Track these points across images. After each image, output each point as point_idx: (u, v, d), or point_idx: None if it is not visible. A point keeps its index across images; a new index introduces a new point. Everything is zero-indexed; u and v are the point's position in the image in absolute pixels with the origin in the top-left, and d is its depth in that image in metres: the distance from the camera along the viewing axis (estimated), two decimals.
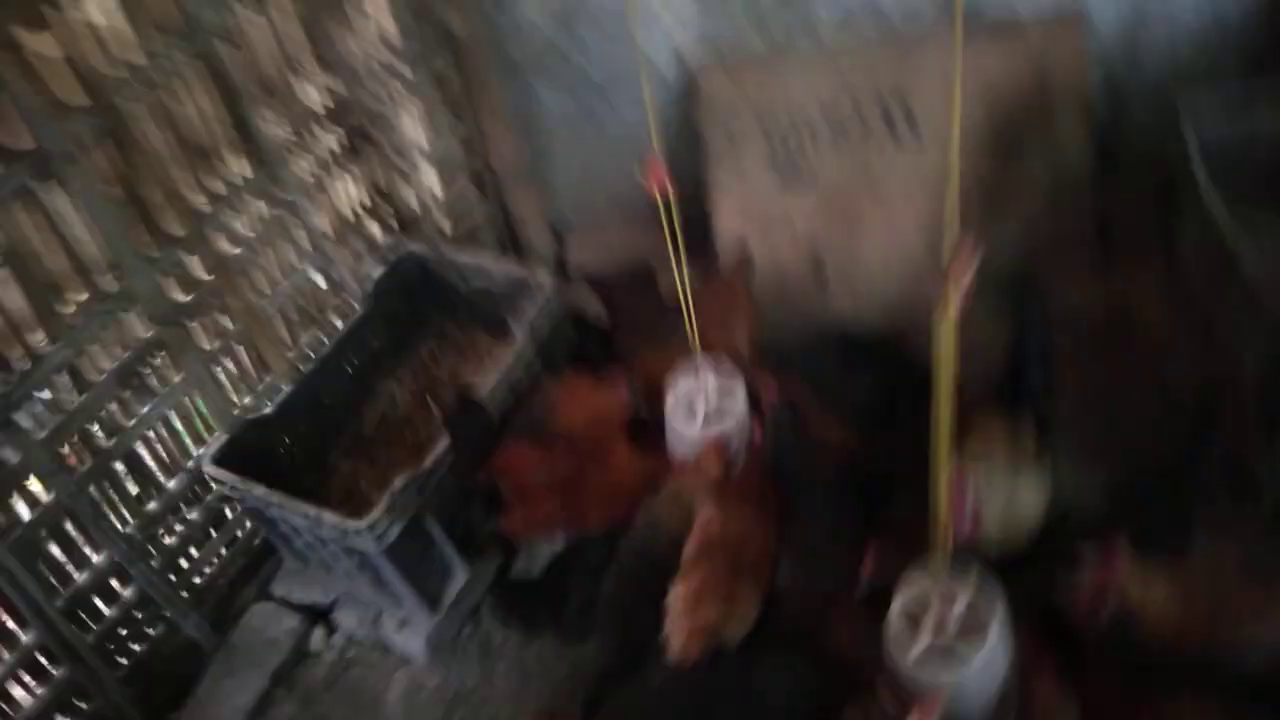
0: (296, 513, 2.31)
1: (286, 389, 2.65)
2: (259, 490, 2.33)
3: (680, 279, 2.22)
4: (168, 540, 2.49)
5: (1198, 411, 2.22)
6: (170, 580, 2.47)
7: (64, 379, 2.21)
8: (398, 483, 2.27)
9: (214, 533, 2.64)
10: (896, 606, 1.77)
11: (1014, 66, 2.72)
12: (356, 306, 2.85)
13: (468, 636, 2.56)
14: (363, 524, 2.21)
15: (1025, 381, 2.14)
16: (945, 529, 1.72)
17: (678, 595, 1.99)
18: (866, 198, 2.84)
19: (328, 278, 2.85)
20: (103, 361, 2.29)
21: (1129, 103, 2.83)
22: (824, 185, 2.86)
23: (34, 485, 2.20)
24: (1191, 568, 1.87)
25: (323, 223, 2.79)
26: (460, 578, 2.54)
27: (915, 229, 2.81)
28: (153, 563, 2.41)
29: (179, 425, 2.51)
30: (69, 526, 2.26)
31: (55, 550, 2.26)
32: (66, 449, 2.26)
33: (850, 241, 2.87)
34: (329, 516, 2.26)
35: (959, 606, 1.74)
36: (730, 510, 2.12)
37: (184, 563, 2.55)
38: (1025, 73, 2.72)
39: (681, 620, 1.94)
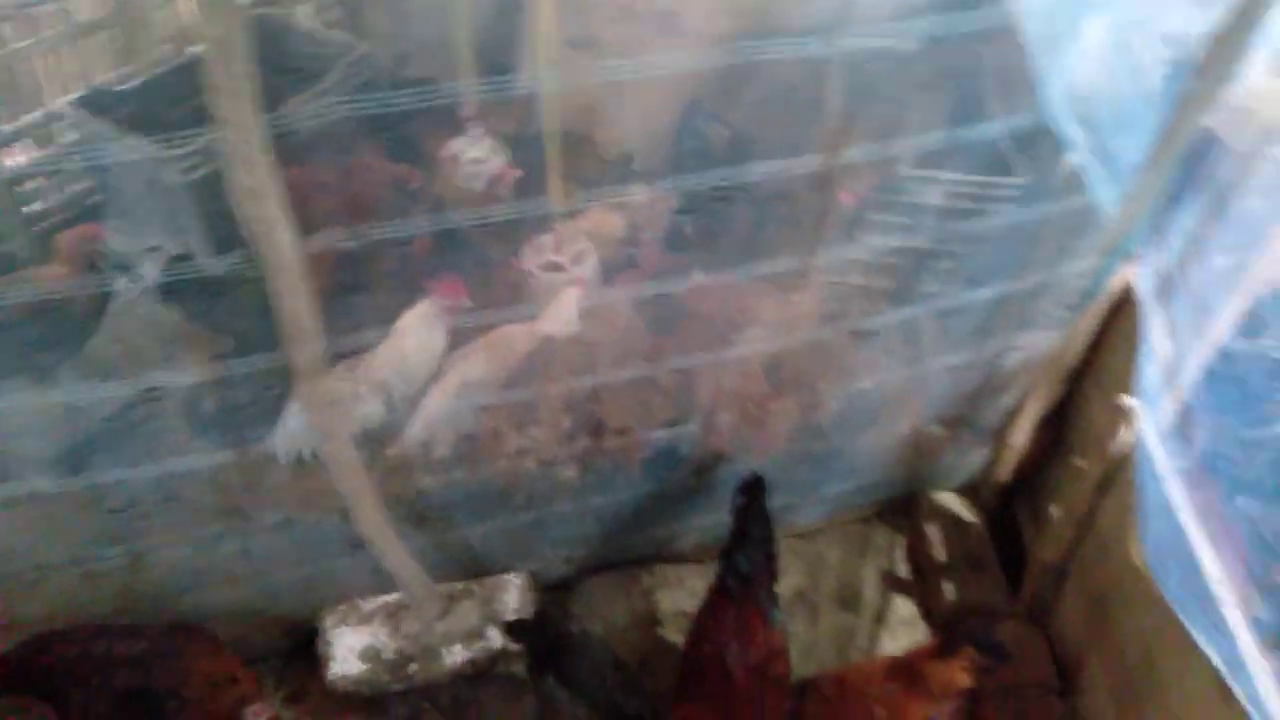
0: (124, 146, 3.00)
1: (141, 80, 3.34)
2: (102, 124, 3.02)
3: None
4: (9, 162, 3.14)
5: None
6: (13, 193, 3.11)
7: None
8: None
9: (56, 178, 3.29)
10: None
11: None
12: None
13: None
14: (174, 152, 2.93)
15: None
16: None
17: None
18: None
19: None
20: None
21: None
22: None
23: None
24: None
25: None
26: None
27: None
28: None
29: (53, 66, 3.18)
30: None
31: None
32: None
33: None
34: (150, 146, 2.96)
35: None
36: None
37: (24, 186, 3.19)
38: None
39: None
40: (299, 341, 1.90)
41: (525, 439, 2.43)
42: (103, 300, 2.81)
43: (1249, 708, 1.80)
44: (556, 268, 2.79)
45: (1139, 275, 2.50)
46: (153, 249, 3.33)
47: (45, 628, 2.38)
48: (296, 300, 1.85)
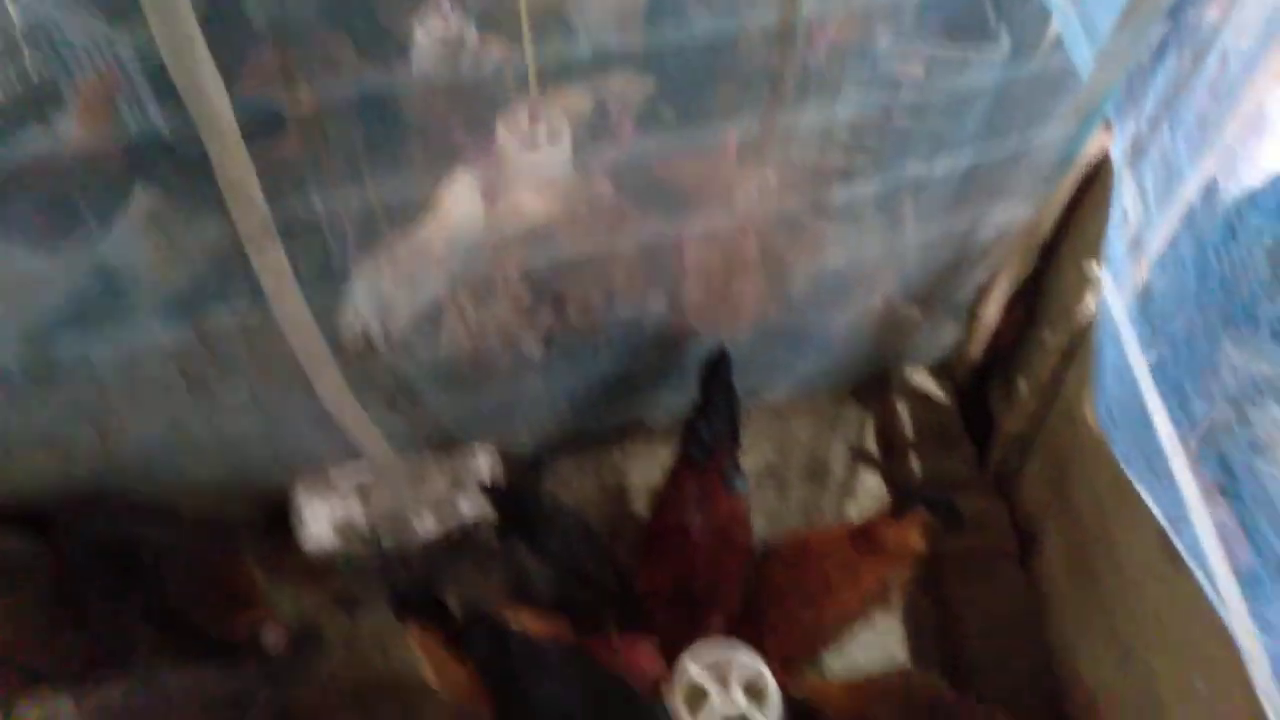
0: (75, 24, 2.89)
1: None
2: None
3: None
4: None
5: None
6: None
7: None
8: None
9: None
10: None
11: None
12: None
13: None
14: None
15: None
16: None
17: None
18: None
19: None
20: None
21: None
22: None
23: None
24: None
25: None
26: None
27: None
28: None
29: None
30: None
31: None
32: None
33: None
34: (100, 24, 2.86)
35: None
36: None
37: None
38: None
39: None
40: (242, 209, 1.87)
41: (486, 314, 2.42)
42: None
43: (1189, 560, 1.84)
44: (532, 143, 2.71)
45: (1113, 140, 2.45)
46: None
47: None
48: (234, 165, 1.81)
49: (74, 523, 2.39)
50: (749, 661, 2.25)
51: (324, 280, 2.22)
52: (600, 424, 3.03)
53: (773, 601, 2.37)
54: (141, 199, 2.68)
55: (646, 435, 3.10)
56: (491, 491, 2.61)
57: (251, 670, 2.32)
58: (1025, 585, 2.74)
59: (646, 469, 3.01)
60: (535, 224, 2.52)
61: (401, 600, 2.19)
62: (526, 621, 2.29)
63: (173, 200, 2.42)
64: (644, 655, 2.31)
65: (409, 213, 2.51)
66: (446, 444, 2.88)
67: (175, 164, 2.50)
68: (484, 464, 2.83)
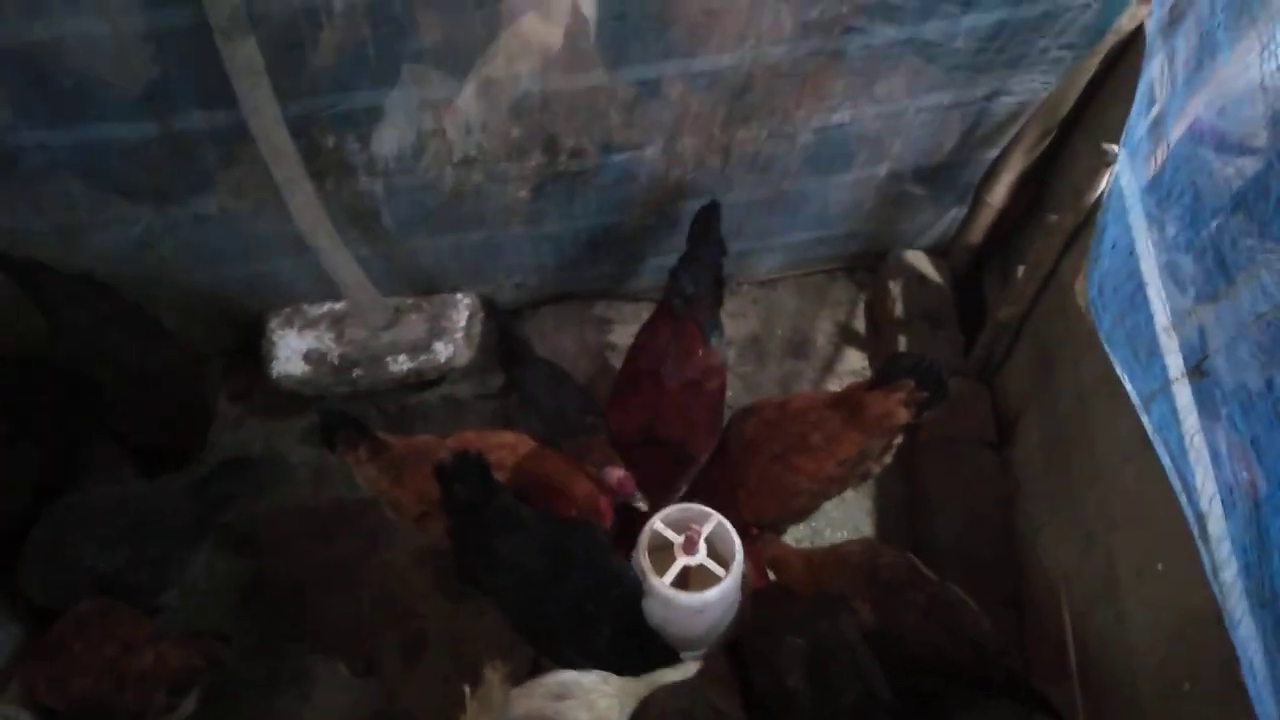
0: None
1: None
2: None
3: None
4: None
5: None
6: None
7: None
8: None
9: None
10: None
11: None
12: None
13: None
14: None
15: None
16: None
17: None
18: None
19: None
20: None
21: None
22: None
23: None
24: None
25: None
26: None
27: None
28: None
29: None
30: None
31: None
32: None
33: None
34: None
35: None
36: None
37: None
38: None
39: None
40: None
41: (471, 146, 2.30)
42: None
43: (1156, 437, 1.79)
44: None
45: (1150, 12, 2.29)
46: None
47: None
48: None
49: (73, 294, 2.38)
50: (715, 521, 2.24)
51: (304, 92, 2.10)
52: (586, 280, 2.94)
53: (748, 456, 2.34)
54: None
55: (633, 296, 3.02)
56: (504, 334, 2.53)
57: (181, 489, 2.33)
58: (998, 473, 2.73)
59: (630, 328, 2.93)
60: (541, 51, 2.33)
61: (327, 426, 2.16)
62: (504, 438, 2.28)
63: None
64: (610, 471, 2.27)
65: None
66: (426, 287, 2.80)
67: None
68: (462, 313, 2.76)
